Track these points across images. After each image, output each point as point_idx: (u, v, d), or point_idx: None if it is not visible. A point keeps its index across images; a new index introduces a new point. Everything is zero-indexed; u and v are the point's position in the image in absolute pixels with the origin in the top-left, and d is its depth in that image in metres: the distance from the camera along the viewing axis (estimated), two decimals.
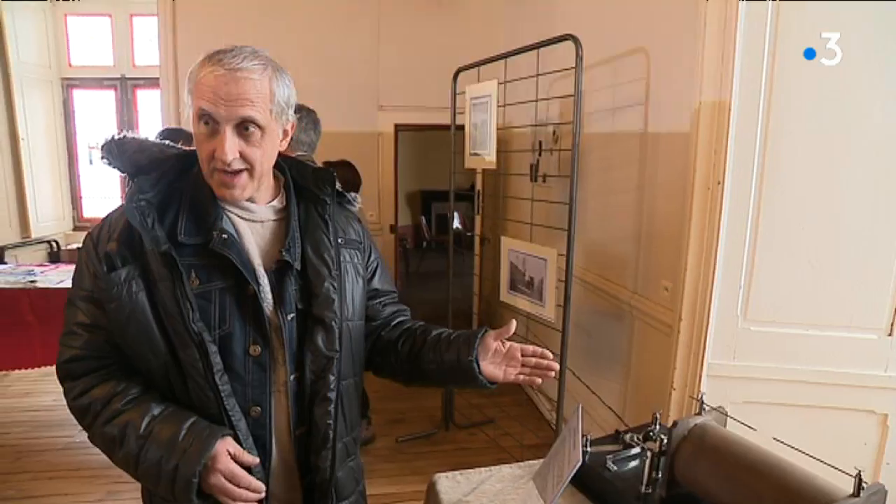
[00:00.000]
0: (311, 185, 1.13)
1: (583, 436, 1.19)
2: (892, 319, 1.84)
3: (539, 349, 1.17)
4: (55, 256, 4.90)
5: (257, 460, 1.00)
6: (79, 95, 5.45)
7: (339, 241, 1.14)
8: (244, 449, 0.99)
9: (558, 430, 2.61)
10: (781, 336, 1.89)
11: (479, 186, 4.37)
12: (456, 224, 8.74)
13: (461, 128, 3.10)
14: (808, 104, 1.78)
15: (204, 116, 0.97)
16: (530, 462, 1.48)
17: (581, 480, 1.26)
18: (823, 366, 1.87)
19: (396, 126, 4.83)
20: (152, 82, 5.12)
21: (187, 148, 1.11)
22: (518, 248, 2.69)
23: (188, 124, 1.03)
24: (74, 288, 1.03)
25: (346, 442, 1.16)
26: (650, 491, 1.19)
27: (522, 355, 1.16)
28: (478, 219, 4.28)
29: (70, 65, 5.44)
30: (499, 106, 2.75)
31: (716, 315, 1.92)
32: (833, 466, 0.98)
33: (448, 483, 1.39)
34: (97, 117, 5.45)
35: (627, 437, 1.38)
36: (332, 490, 1.12)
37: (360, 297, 1.16)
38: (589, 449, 1.31)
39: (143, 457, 0.95)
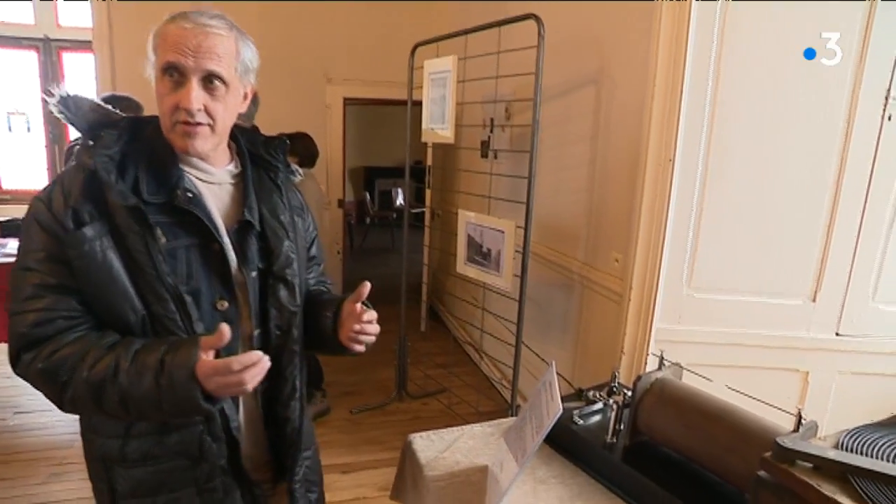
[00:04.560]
0: (263, 153, 1.18)
1: None
2: (815, 287, 2.05)
3: (373, 314, 1.13)
4: None
5: (226, 330, 0.91)
6: None
7: (292, 205, 1.21)
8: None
9: (513, 396, 2.72)
10: (721, 302, 2.06)
11: (428, 161, 4.40)
12: (399, 201, 8.77)
13: (417, 103, 3.11)
14: (751, 95, 1.93)
15: (170, 69, 0.97)
16: (500, 420, 1.57)
17: (550, 435, 1.33)
18: (757, 329, 2.06)
19: (345, 100, 4.77)
20: (81, 45, 4.78)
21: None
22: (476, 220, 2.75)
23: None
24: (25, 253, 0.98)
25: (304, 395, 1.23)
26: (615, 440, 1.30)
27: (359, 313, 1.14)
28: (428, 193, 4.32)
29: None
30: (458, 81, 2.78)
31: (663, 283, 2.06)
32: (779, 408, 1.11)
33: (423, 442, 1.45)
34: (17, 80, 5.03)
35: (591, 393, 1.48)
36: (300, 440, 1.19)
37: (304, 259, 1.23)
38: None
39: (137, 386, 0.92)
